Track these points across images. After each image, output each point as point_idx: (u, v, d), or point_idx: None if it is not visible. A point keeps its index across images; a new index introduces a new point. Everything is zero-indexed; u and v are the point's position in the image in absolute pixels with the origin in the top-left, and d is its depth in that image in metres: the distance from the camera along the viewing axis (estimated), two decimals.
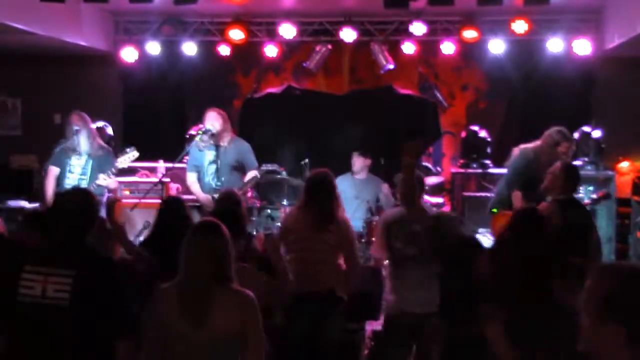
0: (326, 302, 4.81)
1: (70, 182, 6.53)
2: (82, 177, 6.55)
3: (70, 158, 6.59)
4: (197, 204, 6.74)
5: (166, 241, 4.17)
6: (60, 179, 6.59)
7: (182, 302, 3.08)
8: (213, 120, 6.63)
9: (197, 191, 6.71)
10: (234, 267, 3.20)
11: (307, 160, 7.72)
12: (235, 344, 3.10)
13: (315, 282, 4.78)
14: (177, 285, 3.14)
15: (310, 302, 4.76)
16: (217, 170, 6.60)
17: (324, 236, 4.84)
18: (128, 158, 6.61)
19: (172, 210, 4.65)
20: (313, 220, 4.84)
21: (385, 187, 7.53)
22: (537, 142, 6.26)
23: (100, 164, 6.55)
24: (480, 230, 7.38)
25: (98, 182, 6.39)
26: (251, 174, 6.73)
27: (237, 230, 3.73)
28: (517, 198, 6.20)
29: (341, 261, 4.94)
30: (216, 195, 6.33)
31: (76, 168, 6.58)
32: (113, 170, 6.49)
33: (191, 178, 6.82)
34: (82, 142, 6.57)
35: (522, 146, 6.44)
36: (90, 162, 6.58)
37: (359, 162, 7.75)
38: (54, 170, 6.63)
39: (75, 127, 6.57)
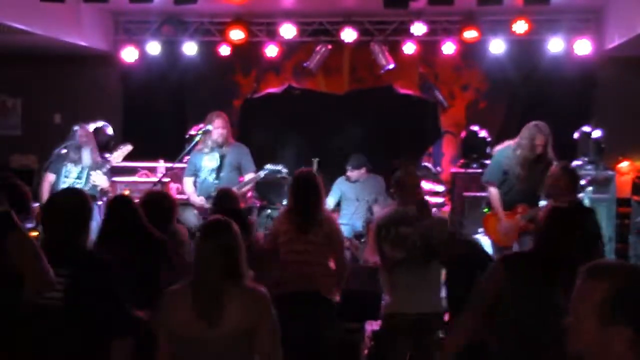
0: (314, 304, 4.79)
1: (65, 186, 6.55)
2: (78, 180, 6.61)
3: (67, 165, 6.67)
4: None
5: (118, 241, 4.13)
6: (55, 185, 6.64)
7: (196, 302, 3.06)
8: (220, 129, 6.69)
9: (191, 192, 6.77)
10: (246, 264, 3.20)
11: (318, 159, 7.71)
12: (250, 340, 3.09)
13: (302, 282, 4.77)
14: (189, 286, 3.12)
15: (300, 303, 4.74)
16: (217, 169, 6.63)
17: (310, 237, 4.80)
18: (122, 153, 6.68)
19: (121, 209, 4.39)
20: (299, 221, 4.82)
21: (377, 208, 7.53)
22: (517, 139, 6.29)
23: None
24: (480, 230, 7.39)
25: (92, 178, 6.49)
26: (251, 175, 6.76)
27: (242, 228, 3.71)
28: (493, 195, 6.32)
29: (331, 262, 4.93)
30: (213, 193, 6.36)
31: (72, 173, 6.66)
32: (107, 166, 6.57)
33: (188, 184, 6.87)
34: (85, 157, 6.65)
35: (506, 142, 6.48)
36: (86, 170, 6.65)
37: (354, 175, 7.66)
38: (50, 177, 6.70)
39: (83, 142, 6.66)
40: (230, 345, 3.06)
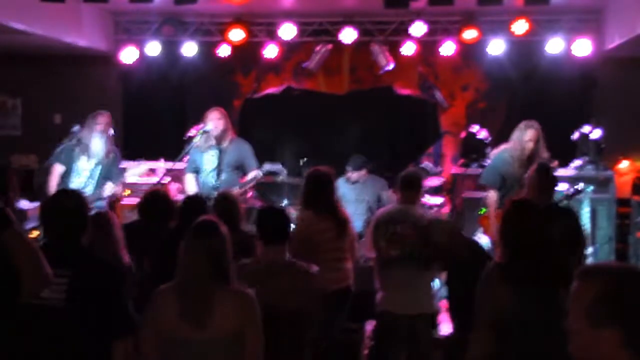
0: (345, 297, 4.94)
1: (76, 184, 6.34)
2: (90, 180, 6.42)
3: (79, 159, 6.44)
4: None
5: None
6: (65, 178, 6.42)
7: (182, 303, 3.06)
8: (216, 121, 6.62)
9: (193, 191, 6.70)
10: (232, 266, 3.19)
11: (305, 159, 7.70)
12: (236, 343, 3.09)
13: (342, 279, 4.91)
14: (176, 287, 3.13)
15: (341, 299, 4.88)
16: (217, 169, 6.60)
17: (344, 236, 4.94)
18: (138, 172, 6.53)
19: (195, 209, 4.40)
20: (336, 219, 4.91)
21: (387, 192, 7.56)
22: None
23: (109, 170, 6.48)
24: (480, 230, 7.39)
25: (105, 193, 6.30)
26: (252, 174, 6.74)
27: (232, 228, 3.69)
28: (491, 197, 6.39)
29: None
30: (214, 195, 6.33)
31: (84, 171, 6.44)
32: (121, 180, 6.47)
33: (190, 180, 6.79)
34: (99, 144, 6.43)
35: (502, 146, 6.52)
36: (99, 167, 6.46)
37: (354, 176, 7.65)
38: (58, 168, 6.44)
39: (100, 128, 6.45)
40: (216, 348, 3.06)
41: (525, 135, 6.16)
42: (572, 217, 5.25)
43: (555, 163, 6.42)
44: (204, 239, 3.14)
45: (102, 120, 6.53)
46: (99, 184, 6.41)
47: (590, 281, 1.86)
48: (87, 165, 6.47)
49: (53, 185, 6.39)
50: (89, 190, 6.31)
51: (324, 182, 5.02)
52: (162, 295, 3.15)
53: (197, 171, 6.77)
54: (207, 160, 6.69)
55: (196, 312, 3.04)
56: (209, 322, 3.04)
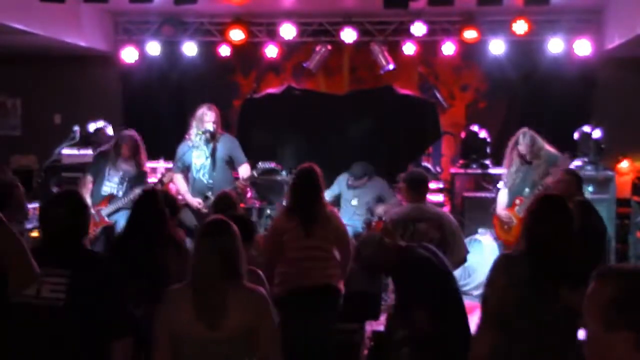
0: (322, 295, 4.77)
1: (107, 190, 6.52)
2: (120, 187, 6.52)
3: (109, 169, 6.56)
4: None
5: (140, 240, 4.15)
6: (96, 187, 6.55)
7: (196, 303, 3.05)
8: (212, 120, 6.61)
9: (189, 197, 6.64)
10: (245, 265, 3.19)
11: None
12: (249, 341, 3.08)
13: (312, 277, 4.74)
14: (189, 286, 3.12)
15: (306, 296, 4.72)
16: (210, 166, 6.57)
17: (317, 233, 4.79)
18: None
19: (147, 205, 4.40)
20: (305, 218, 4.80)
21: (388, 191, 7.60)
22: None
23: (136, 183, 6.53)
24: (480, 230, 7.40)
25: (133, 193, 6.31)
26: (243, 169, 6.71)
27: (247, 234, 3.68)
28: (499, 193, 6.71)
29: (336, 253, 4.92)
30: (210, 194, 6.31)
31: (114, 178, 6.56)
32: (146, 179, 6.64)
33: (180, 181, 6.76)
34: (126, 167, 6.58)
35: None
36: (127, 178, 6.55)
37: (356, 184, 7.63)
38: (88, 179, 6.59)
39: (127, 156, 6.58)
40: (230, 346, 3.05)
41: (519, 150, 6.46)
42: (594, 212, 5.33)
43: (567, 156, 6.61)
44: (215, 238, 3.13)
45: (130, 142, 6.67)
46: (127, 193, 6.47)
47: (605, 283, 1.83)
48: (115, 174, 6.57)
49: (85, 196, 6.38)
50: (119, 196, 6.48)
51: (303, 180, 4.95)
52: (176, 294, 3.14)
53: (185, 169, 6.74)
54: (197, 156, 6.65)
55: (210, 311, 3.03)
56: (223, 321, 3.03)
